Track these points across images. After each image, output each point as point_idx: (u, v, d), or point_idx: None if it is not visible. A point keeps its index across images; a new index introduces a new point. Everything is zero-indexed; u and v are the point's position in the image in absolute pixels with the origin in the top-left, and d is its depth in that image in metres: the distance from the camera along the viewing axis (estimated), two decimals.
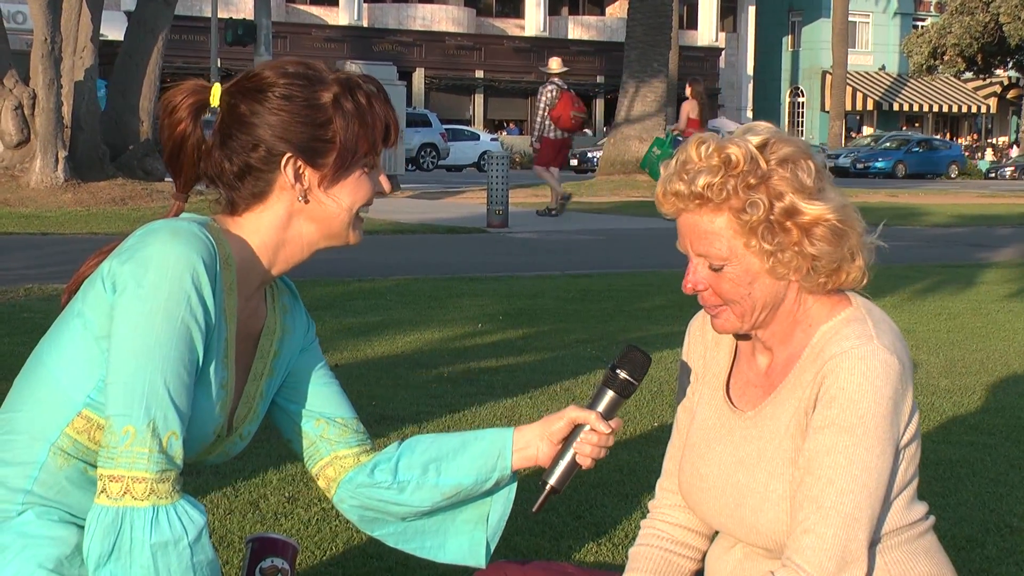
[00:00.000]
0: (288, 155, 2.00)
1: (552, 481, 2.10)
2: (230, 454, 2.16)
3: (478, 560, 2.27)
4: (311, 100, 2.01)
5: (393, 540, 2.29)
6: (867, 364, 1.93)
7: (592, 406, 2.11)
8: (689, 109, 18.25)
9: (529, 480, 2.52)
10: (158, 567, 1.83)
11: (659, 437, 4.43)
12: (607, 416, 2.09)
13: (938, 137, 54.17)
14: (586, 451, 2.10)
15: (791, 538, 1.95)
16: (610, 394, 2.09)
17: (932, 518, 2.13)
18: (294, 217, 2.04)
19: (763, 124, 2.02)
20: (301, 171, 2.02)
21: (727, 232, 1.96)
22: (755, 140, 1.96)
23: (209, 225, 2.00)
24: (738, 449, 2.07)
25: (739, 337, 2.14)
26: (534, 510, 2.11)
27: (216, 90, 2.06)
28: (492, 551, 2.29)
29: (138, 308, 1.86)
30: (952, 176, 45.03)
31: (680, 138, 19.47)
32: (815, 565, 1.91)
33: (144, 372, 1.85)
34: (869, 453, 1.93)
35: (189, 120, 2.05)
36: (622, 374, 2.08)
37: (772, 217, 1.94)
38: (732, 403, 2.13)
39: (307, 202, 2.03)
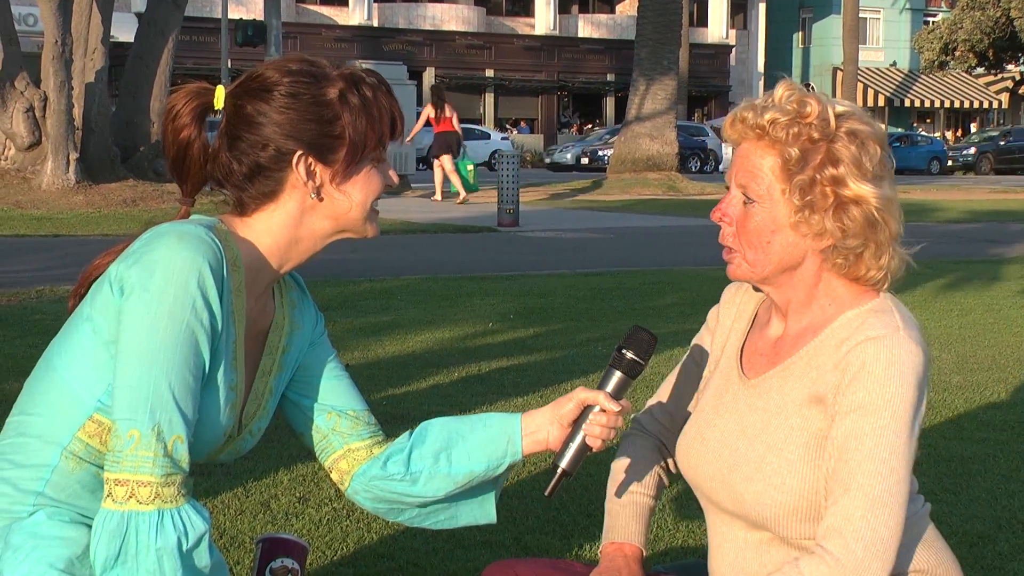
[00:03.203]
0: (299, 153, 2.00)
1: (564, 464, 2.10)
2: (241, 451, 2.16)
3: (489, 516, 2.29)
4: (317, 97, 2.01)
5: (411, 522, 2.31)
6: (893, 352, 1.93)
7: (600, 387, 2.11)
8: (427, 112, 19.60)
9: (540, 468, 2.52)
10: (164, 571, 1.84)
11: None
12: (616, 397, 2.09)
13: (921, 132, 53.75)
14: (596, 432, 2.09)
15: (820, 524, 1.93)
16: (617, 375, 2.10)
17: (929, 505, 2.13)
18: (307, 214, 2.04)
19: (851, 103, 2.04)
20: (313, 168, 2.02)
21: (770, 174, 1.98)
22: (838, 108, 1.99)
23: (216, 227, 2.00)
24: (743, 418, 2.07)
25: (757, 289, 2.14)
26: (547, 494, 2.10)
27: (220, 92, 2.05)
28: (498, 500, 2.31)
29: (144, 312, 1.86)
30: (934, 172, 44.19)
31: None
32: (841, 547, 1.88)
33: (149, 376, 1.85)
34: (897, 437, 1.91)
35: (193, 125, 2.05)
36: (628, 354, 2.08)
37: (818, 176, 1.95)
38: (743, 370, 2.13)
39: (321, 199, 2.03)
